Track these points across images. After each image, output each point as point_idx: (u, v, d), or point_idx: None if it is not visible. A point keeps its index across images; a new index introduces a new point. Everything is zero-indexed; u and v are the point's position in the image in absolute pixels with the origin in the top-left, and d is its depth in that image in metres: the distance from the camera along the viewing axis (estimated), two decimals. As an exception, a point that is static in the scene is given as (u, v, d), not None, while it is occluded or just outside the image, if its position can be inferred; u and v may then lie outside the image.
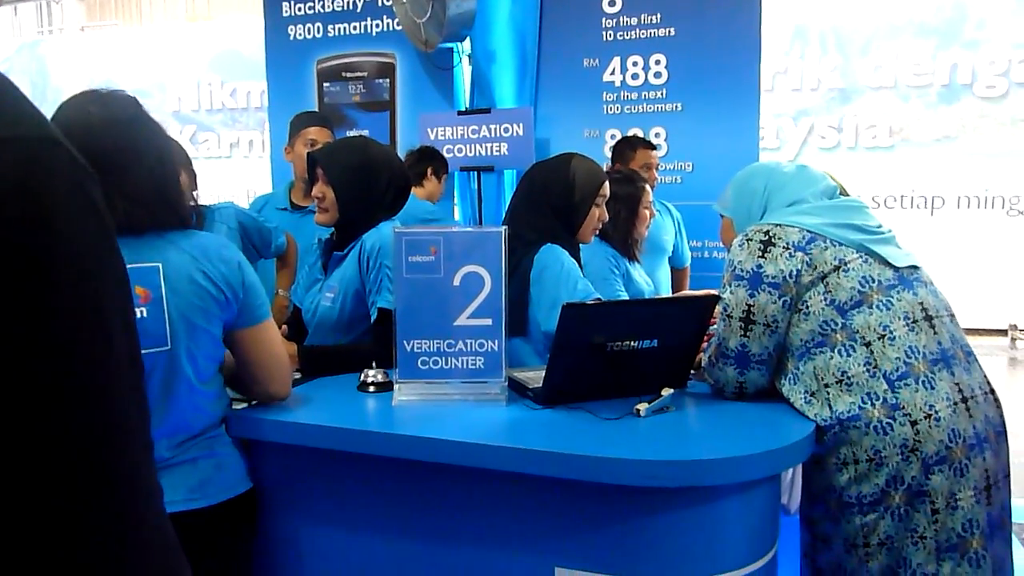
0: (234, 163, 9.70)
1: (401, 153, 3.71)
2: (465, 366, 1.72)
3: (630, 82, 4.20)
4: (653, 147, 3.65)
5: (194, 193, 2.42)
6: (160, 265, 1.46)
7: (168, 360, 1.47)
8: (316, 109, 4.58)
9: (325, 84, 4.76)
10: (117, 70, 9.58)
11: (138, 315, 1.43)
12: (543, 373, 1.69)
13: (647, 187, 3.06)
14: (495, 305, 1.71)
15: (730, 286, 1.70)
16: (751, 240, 1.70)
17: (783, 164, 1.90)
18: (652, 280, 3.20)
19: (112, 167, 1.41)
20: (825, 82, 7.91)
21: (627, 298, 2.80)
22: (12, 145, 0.40)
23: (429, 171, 3.82)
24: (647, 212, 3.04)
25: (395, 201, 2.16)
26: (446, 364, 1.72)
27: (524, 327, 2.10)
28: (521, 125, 4.22)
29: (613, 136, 4.24)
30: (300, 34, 4.78)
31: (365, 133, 4.47)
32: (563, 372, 1.66)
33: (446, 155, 4.20)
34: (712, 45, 4.01)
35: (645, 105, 4.18)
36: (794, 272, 1.65)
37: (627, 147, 3.61)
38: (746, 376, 1.70)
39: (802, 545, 1.74)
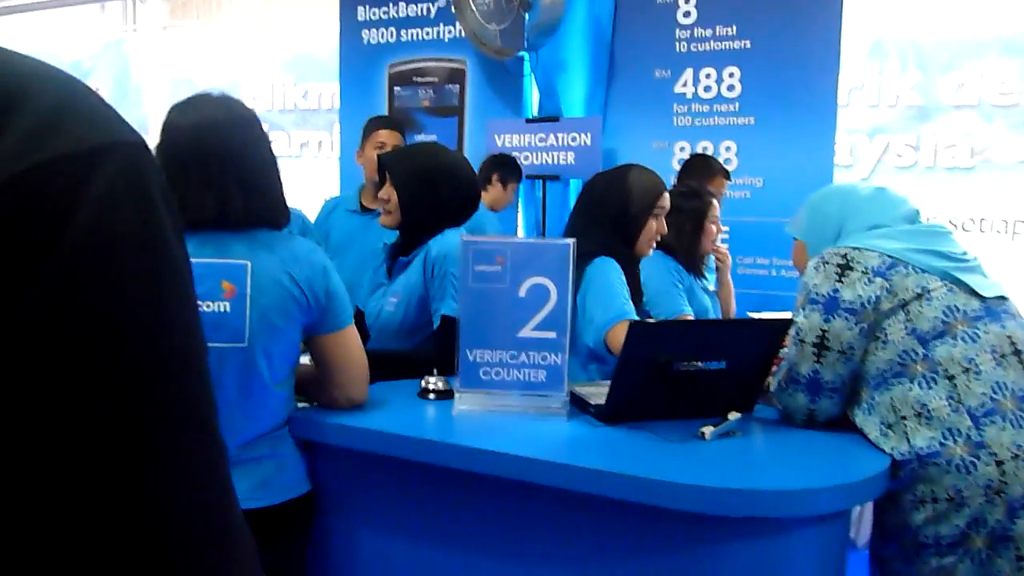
0: (303, 162, 9.88)
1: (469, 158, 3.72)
2: (527, 378, 1.70)
3: (702, 94, 4.13)
4: (729, 177, 3.57)
5: None
6: (249, 263, 1.49)
7: (243, 357, 1.49)
8: (386, 112, 4.63)
9: (396, 88, 4.81)
10: (195, 69, 9.84)
11: (220, 309, 1.48)
12: (606, 389, 1.66)
13: (714, 202, 2.99)
14: (560, 318, 1.69)
15: (804, 310, 1.65)
16: (827, 263, 1.64)
17: (860, 187, 1.83)
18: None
19: (237, 162, 1.49)
20: (903, 99, 7.66)
21: (690, 313, 2.74)
22: (119, 149, 0.42)
23: (495, 177, 3.81)
24: (713, 227, 2.98)
25: (461, 211, 2.15)
26: (508, 375, 1.70)
27: (572, 339, 2.07)
28: (589, 135, 4.19)
29: (683, 149, 4.17)
30: (373, 38, 4.84)
31: (433, 138, 4.50)
32: (627, 390, 1.63)
33: (512, 162, 4.20)
34: (788, 59, 3.93)
35: (716, 118, 4.11)
36: (873, 298, 1.58)
37: (707, 170, 3.53)
38: (817, 404, 1.64)
39: (870, 583, 1.67)
